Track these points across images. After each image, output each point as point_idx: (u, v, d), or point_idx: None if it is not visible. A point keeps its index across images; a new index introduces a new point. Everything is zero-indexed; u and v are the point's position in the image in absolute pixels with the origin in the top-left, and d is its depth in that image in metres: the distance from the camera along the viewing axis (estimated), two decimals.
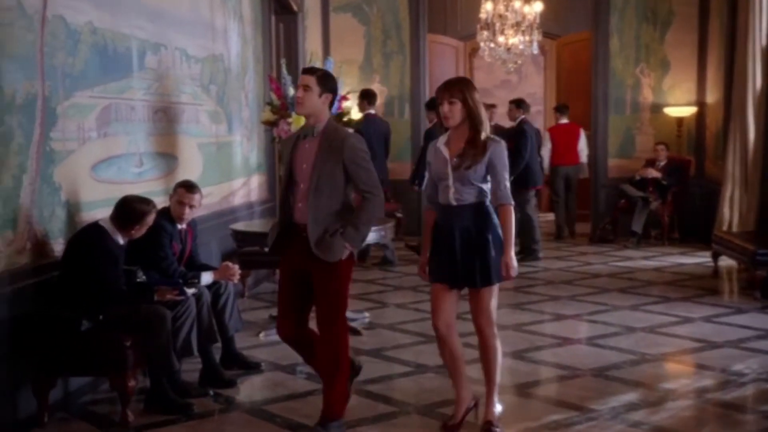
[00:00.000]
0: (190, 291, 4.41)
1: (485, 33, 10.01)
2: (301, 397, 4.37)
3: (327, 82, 3.80)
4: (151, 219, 4.22)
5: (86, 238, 4.03)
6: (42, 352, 3.90)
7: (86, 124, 4.50)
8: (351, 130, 6.06)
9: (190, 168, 6.05)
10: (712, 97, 9.73)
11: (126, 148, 4.98)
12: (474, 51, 13.84)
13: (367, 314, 6.17)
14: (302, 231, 3.74)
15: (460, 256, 3.67)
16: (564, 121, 10.50)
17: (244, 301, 6.60)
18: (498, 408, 3.86)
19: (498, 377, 3.85)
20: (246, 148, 7.63)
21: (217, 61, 6.75)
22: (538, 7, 10.57)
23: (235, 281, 4.86)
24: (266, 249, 4.04)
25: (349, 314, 5.92)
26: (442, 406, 4.17)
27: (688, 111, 10.00)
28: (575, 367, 4.82)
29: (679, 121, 10.02)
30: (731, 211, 8.14)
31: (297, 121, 5.56)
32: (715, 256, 7.77)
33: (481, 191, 3.68)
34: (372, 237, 5.33)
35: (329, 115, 3.85)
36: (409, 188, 8.88)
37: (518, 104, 9.07)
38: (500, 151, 3.67)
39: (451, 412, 3.93)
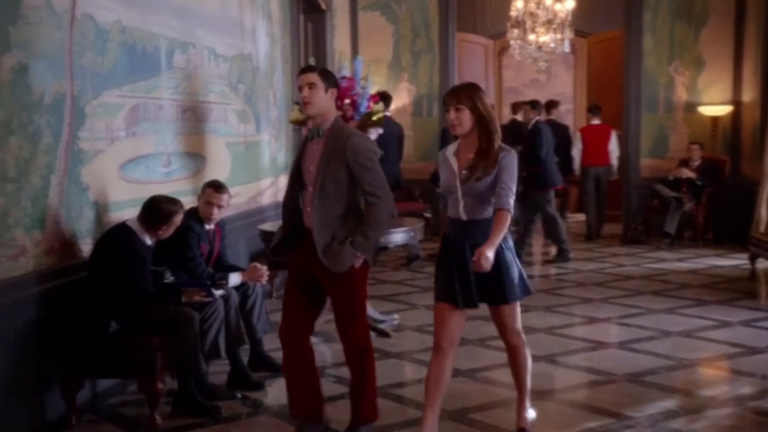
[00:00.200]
0: (218, 292, 4.36)
1: (516, 31, 9.88)
2: (331, 400, 4.29)
3: (329, 77, 3.65)
4: (178, 219, 4.18)
5: (113, 239, 4.00)
6: (70, 354, 3.88)
7: (114, 124, 4.47)
8: (376, 130, 6.03)
9: (218, 168, 6.01)
10: (748, 95, 9.51)
11: (154, 147, 4.95)
12: (503, 50, 13.72)
13: (396, 316, 6.09)
14: (311, 235, 3.60)
15: (474, 274, 3.40)
16: (596, 121, 10.35)
17: (272, 302, 6.54)
18: (531, 414, 3.77)
19: (529, 383, 3.74)
20: (274, 147, 7.59)
21: (246, 60, 6.71)
22: (570, 4, 10.42)
23: (264, 282, 4.81)
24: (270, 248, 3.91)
25: (377, 316, 5.88)
26: (473, 412, 4.09)
27: (723, 110, 9.79)
28: (609, 372, 4.71)
29: (714, 120, 9.81)
30: None
31: None
32: (753, 258, 7.57)
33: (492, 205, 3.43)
34: (401, 238, 5.27)
35: (336, 114, 3.70)
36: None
37: (533, 105, 8.94)
38: (510, 161, 3.40)
39: (481, 417, 3.84)
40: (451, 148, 3.54)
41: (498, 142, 3.42)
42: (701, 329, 5.68)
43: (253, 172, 6.95)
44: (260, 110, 7.12)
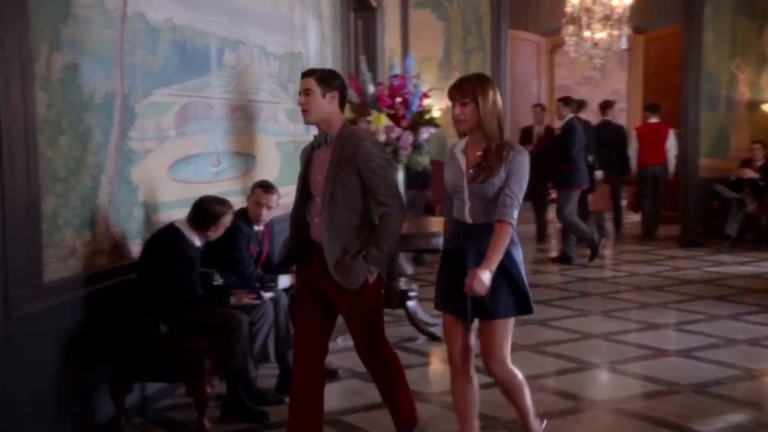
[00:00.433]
0: (268, 295, 4.28)
1: (571, 28, 9.65)
2: (380, 407, 4.14)
3: (328, 80, 3.37)
4: (227, 220, 4.11)
5: (162, 240, 3.95)
6: (118, 356, 3.84)
7: (164, 123, 4.43)
8: (427, 129, 5.89)
9: (268, 167, 5.95)
10: None
11: (204, 147, 4.91)
12: (555, 47, 13.46)
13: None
14: (320, 249, 3.36)
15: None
16: (654, 120, 10.07)
17: None
18: (539, 427, 3.48)
19: (530, 408, 3.38)
20: None
21: (296, 58, 6.64)
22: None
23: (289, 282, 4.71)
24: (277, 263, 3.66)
25: (427, 319, 5.75)
26: None
27: None
28: (672, 382, 4.51)
29: None
30: None
31: (377, 120, 5.39)
32: None
33: None
34: None
35: (342, 119, 3.44)
36: None
37: (566, 102, 8.69)
38: (520, 162, 3.08)
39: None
40: (460, 145, 3.24)
41: (503, 139, 3.12)
42: None
43: None
44: None
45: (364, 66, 6.00)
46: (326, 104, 3.35)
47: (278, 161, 6.25)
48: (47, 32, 3.46)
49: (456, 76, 10.19)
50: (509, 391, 3.30)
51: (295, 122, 6.68)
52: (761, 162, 9.23)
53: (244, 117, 5.57)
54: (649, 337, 5.64)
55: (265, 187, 4.56)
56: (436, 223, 5.54)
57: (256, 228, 4.58)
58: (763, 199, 9.14)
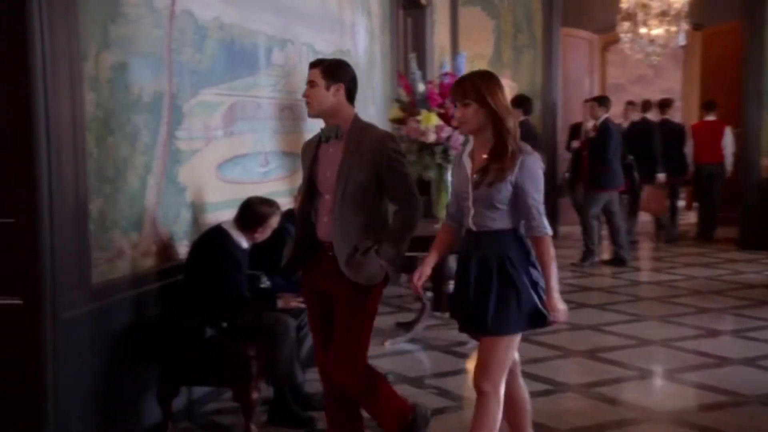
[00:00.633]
0: None
1: (626, 24, 9.38)
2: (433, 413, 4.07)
3: (334, 72, 3.21)
4: (274, 222, 4.04)
5: (209, 242, 3.90)
6: (165, 360, 3.79)
7: (212, 123, 4.38)
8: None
9: None
10: None
11: (251, 147, 4.85)
12: (607, 45, 13.16)
13: None
14: (328, 249, 3.19)
15: (473, 293, 2.93)
16: (710, 117, 9.76)
17: None
18: None
19: None
20: None
21: (345, 56, 6.55)
22: None
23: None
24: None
25: None
26: None
27: None
28: (738, 393, 4.29)
29: None
30: None
31: (427, 119, 5.27)
32: None
33: (510, 216, 2.91)
34: None
35: (353, 112, 3.27)
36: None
37: (600, 101, 8.40)
38: (531, 165, 2.86)
39: None
40: (468, 149, 3.03)
41: (515, 141, 2.88)
42: None
43: None
44: (358, 108, 6.92)
45: (414, 64, 5.87)
46: (330, 97, 3.20)
47: None
48: (96, 31, 3.43)
49: (507, 74, 10.12)
50: (481, 412, 2.98)
51: None
52: None
53: (292, 116, 5.50)
54: (709, 344, 5.41)
55: None
56: None
57: None
58: None
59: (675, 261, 8.62)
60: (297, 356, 3.91)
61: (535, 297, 2.91)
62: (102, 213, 3.45)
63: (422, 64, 6.76)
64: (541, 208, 2.89)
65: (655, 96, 11.38)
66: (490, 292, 2.88)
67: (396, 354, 5.07)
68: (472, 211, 2.94)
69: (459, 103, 2.92)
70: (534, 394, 4.33)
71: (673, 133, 9.61)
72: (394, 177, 3.17)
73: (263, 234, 4.01)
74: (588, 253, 8.33)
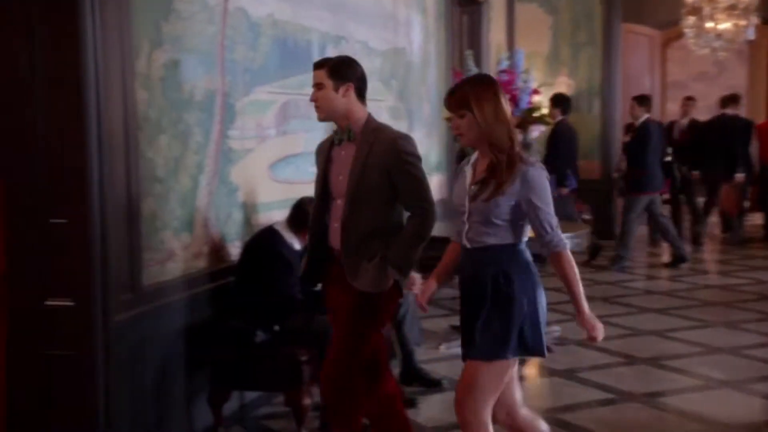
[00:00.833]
0: None
1: (692, 19, 9.05)
2: None
3: (341, 71, 3.06)
4: None
5: (260, 243, 3.82)
6: (216, 363, 3.72)
7: (265, 122, 4.31)
8: (537, 127, 5.59)
9: None
10: None
11: (304, 146, 4.77)
12: (668, 41, 12.78)
13: (557, 327, 5.61)
14: (339, 255, 3.06)
15: (465, 313, 2.77)
16: None
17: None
18: None
19: None
20: (425, 145, 7.28)
21: (399, 54, 6.46)
22: None
23: (416, 291, 4.47)
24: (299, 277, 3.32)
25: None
26: None
27: None
28: None
29: None
30: None
31: None
32: None
33: (507, 231, 2.67)
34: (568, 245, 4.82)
35: (365, 112, 3.11)
36: (598, 188, 8.70)
37: (640, 101, 8.01)
38: (535, 177, 2.63)
39: None
40: (472, 158, 2.82)
41: (510, 151, 2.65)
42: None
43: None
44: (413, 106, 6.84)
45: (470, 61, 5.74)
46: (339, 98, 3.05)
47: None
48: (148, 29, 3.38)
49: (564, 72, 9.89)
50: None
51: (397, 120, 6.49)
52: None
53: None
54: None
55: None
56: None
57: None
58: None
59: (741, 264, 8.29)
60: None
61: (529, 327, 2.67)
62: (152, 214, 3.40)
63: (478, 62, 6.61)
64: (554, 221, 2.65)
65: (719, 94, 11.00)
66: (480, 312, 2.67)
67: (452, 358, 4.91)
68: (466, 227, 2.73)
69: (455, 116, 2.72)
70: (596, 403, 4.21)
71: (741, 130, 9.26)
72: (406, 180, 3.02)
73: None
74: (617, 258, 8.03)
